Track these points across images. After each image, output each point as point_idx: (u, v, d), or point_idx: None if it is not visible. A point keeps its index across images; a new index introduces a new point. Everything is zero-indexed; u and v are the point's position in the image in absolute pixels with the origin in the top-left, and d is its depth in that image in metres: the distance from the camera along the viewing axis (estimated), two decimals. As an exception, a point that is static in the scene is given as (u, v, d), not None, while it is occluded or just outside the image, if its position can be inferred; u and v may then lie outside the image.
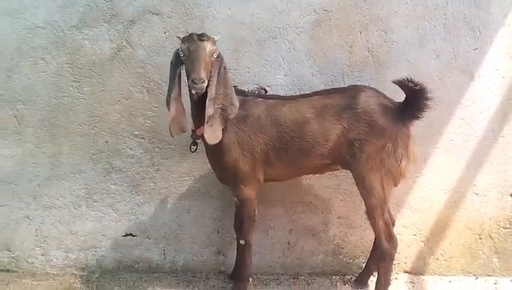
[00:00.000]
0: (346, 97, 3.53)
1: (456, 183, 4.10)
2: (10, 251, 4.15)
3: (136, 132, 4.00)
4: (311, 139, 3.51)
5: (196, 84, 3.23)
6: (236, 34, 3.89)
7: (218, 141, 3.43)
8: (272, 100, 3.63)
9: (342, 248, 4.18)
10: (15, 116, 3.97)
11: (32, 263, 4.17)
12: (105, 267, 4.18)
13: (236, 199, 3.69)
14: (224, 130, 3.48)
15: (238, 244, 3.81)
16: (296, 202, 4.13)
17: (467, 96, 3.98)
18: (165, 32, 3.88)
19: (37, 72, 3.90)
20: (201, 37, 3.32)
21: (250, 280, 3.90)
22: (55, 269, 4.17)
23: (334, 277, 4.17)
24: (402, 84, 3.42)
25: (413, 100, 3.43)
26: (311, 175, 4.02)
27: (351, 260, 4.19)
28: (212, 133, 3.39)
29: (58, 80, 3.93)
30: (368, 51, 3.92)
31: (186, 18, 3.87)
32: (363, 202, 3.61)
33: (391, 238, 3.64)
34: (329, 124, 3.50)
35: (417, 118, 3.47)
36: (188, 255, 4.19)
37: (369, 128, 3.47)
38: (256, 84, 3.94)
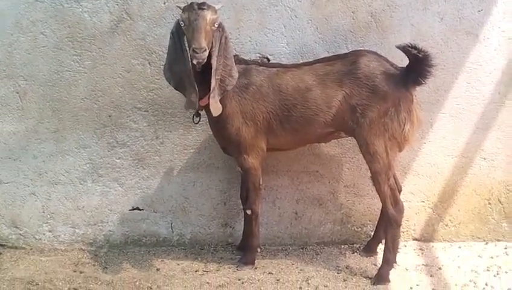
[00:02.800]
0: (347, 63, 3.53)
1: (464, 148, 4.06)
2: (18, 227, 4.15)
3: (139, 105, 3.97)
4: (314, 107, 3.51)
5: (197, 53, 3.19)
6: (237, 2, 3.84)
7: (220, 112, 3.40)
8: (274, 68, 3.61)
9: (350, 217, 4.17)
10: (17, 92, 3.95)
11: (40, 239, 4.17)
12: (112, 242, 4.18)
13: (240, 169, 3.67)
14: (226, 100, 3.47)
15: (245, 214, 3.81)
16: (302, 171, 4.11)
17: (472, 59, 3.94)
18: (164, 3, 3.84)
19: (38, 47, 3.87)
20: (202, 6, 3.28)
21: (259, 250, 3.90)
22: (63, 244, 4.17)
23: (342, 246, 4.17)
24: (405, 50, 3.40)
25: (417, 66, 3.41)
26: (316, 144, 3.98)
27: (359, 229, 4.18)
28: (216, 104, 3.37)
29: (59, 54, 3.89)
30: (371, 16, 3.87)
31: (186, -13, 3.84)
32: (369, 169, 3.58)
33: (397, 203, 3.62)
34: (332, 90, 3.49)
35: (420, 83, 3.46)
36: (195, 228, 4.19)
37: (371, 93, 3.46)
38: (258, 53, 3.90)
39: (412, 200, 4.12)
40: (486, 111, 4.00)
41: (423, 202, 4.14)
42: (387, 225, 3.65)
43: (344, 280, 3.70)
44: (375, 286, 3.62)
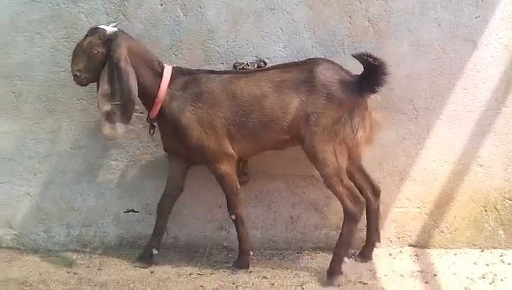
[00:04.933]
0: (303, 71, 3.57)
1: (460, 155, 4.04)
2: (12, 228, 4.16)
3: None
4: (270, 113, 3.55)
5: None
6: (234, 5, 3.85)
7: (115, 138, 3.61)
8: (226, 75, 3.66)
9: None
10: (13, 92, 3.96)
11: (35, 239, 4.18)
12: (107, 244, 4.18)
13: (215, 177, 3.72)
14: (179, 110, 3.54)
15: (232, 220, 3.82)
16: (298, 175, 4.09)
17: (469, 65, 3.92)
18: (161, 5, 3.86)
19: (34, 47, 3.89)
20: (88, 32, 3.50)
21: (251, 253, 3.88)
22: (57, 245, 4.17)
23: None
24: (361, 58, 3.45)
25: (372, 74, 3.46)
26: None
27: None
28: (111, 130, 3.50)
29: (55, 54, 3.91)
30: (368, 21, 3.87)
31: (183, -10, 3.85)
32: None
33: (357, 200, 3.64)
34: (288, 97, 3.54)
35: (375, 91, 3.52)
36: (190, 231, 4.18)
37: (327, 101, 3.51)
38: (255, 56, 3.90)
39: (408, 206, 4.10)
40: (483, 118, 3.98)
41: (419, 208, 4.11)
42: (345, 221, 3.67)
43: (339, 286, 3.67)
44: (327, 279, 3.66)
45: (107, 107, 3.45)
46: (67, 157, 4.06)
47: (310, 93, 3.51)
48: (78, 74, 3.49)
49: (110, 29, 3.47)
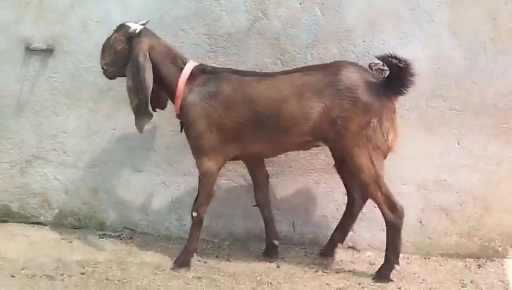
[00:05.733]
0: (327, 74, 3.47)
1: None
2: (147, 214, 4.35)
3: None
4: (289, 118, 3.48)
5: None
6: (373, 5, 3.83)
7: (142, 132, 3.68)
8: (248, 77, 3.60)
9: (477, 230, 4.02)
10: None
11: (168, 227, 4.35)
12: (235, 236, 4.28)
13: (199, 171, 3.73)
14: (193, 104, 3.58)
15: (191, 216, 3.81)
16: (429, 180, 4.02)
17: None
18: (300, 4, 3.89)
19: (177, 43, 4.00)
20: (116, 28, 3.65)
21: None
22: (188, 234, 4.31)
23: (468, 260, 4.02)
24: (385, 60, 3.36)
25: (397, 76, 3.36)
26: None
27: (487, 243, 4.02)
28: (139, 124, 3.65)
29: (196, 50, 4.03)
30: (514, 23, 3.72)
31: (321, -11, 3.88)
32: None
33: (394, 207, 3.55)
34: (310, 102, 3.45)
35: (402, 93, 3.42)
36: (316, 229, 4.19)
37: (352, 105, 3.41)
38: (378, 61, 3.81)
39: None
40: None
41: None
42: (387, 230, 3.60)
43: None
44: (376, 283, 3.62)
45: (134, 101, 3.59)
46: (202, 150, 4.18)
47: (334, 97, 3.42)
48: (105, 67, 3.69)
49: (134, 26, 3.59)
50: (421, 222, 4.07)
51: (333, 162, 3.86)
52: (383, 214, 3.58)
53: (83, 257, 3.96)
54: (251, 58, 3.99)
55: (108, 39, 3.66)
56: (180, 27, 4.01)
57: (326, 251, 4.02)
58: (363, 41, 3.88)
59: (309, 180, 4.14)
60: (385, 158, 3.57)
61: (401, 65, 3.31)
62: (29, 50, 4.18)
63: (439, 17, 3.78)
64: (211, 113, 3.57)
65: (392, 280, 3.64)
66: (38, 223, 4.44)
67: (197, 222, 3.79)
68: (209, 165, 3.67)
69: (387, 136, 3.46)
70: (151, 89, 3.54)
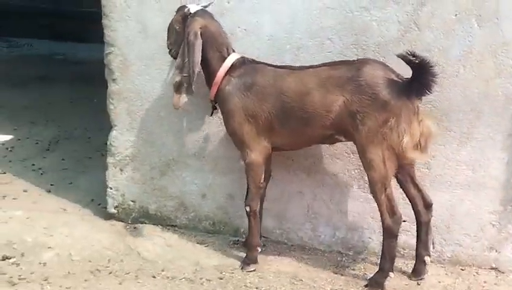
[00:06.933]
0: (351, 69, 3.53)
1: None
2: (282, 222, 4.34)
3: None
4: (311, 110, 3.57)
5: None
6: None
7: (177, 108, 3.86)
8: (281, 70, 3.73)
9: None
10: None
11: (302, 237, 4.33)
12: (371, 249, 4.21)
13: (243, 163, 3.85)
14: (230, 95, 3.73)
15: (245, 211, 3.90)
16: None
17: None
18: (455, 15, 3.77)
19: (323, 52, 3.98)
20: (176, 10, 3.87)
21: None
22: (322, 245, 4.28)
23: None
24: (405, 58, 3.32)
25: (419, 76, 3.33)
26: None
27: None
28: (176, 100, 3.78)
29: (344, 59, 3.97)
30: None
31: (479, -1, 3.75)
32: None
33: (394, 214, 3.58)
34: (332, 95, 3.52)
35: (424, 94, 3.40)
36: (456, 247, 4.08)
37: (371, 101, 3.43)
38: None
39: None
40: None
41: None
42: (384, 236, 3.65)
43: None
44: None
45: (177, 78, 3.72)
46: (340, 160, 4.13)
47: (354, 92, 3.46)
48: (169, 47, 3.92)
49: (192, 7, 3.78)
50: None
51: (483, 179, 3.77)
52: (382, 217, 3.62)
53: (219, 262, 4.02)
54: (399, 70, 3.88)
55: (171, 20, 3.87)
56: (327, 36, 3.97)
57: (417, 269, 3.92)
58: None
59: (453, 196, 4.03)
60: (400, 161, 3.54)
61: (421, 63, 3.27)
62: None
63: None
64: (248, 104, 3.70)
65: None
66: (173, 226, 4.53)
67: (252, 216, 3.90)
68: (253, 157, 3.78)
69: (403, 137, 3.44)
70: (198, 67, 3.70)
